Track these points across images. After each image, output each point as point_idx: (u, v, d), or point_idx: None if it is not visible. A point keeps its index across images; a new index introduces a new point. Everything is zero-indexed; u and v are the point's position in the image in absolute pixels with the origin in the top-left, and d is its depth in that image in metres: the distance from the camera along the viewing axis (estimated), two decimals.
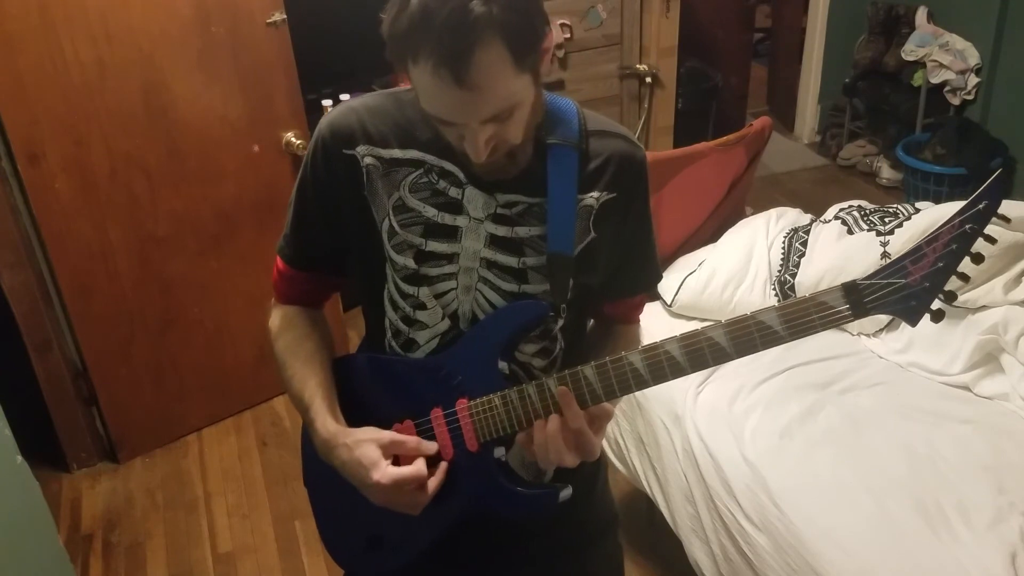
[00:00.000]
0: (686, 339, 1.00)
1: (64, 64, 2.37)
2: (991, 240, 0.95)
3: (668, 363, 1.01)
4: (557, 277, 1.11)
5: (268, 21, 2.63)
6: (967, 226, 0.91)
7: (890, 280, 0.94)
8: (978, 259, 0.94)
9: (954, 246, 0.92)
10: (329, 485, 1.24)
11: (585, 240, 1.13)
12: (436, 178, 1.11)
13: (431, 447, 1.11)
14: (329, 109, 3.13)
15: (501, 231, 1.11)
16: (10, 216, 2.47)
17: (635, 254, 1.21)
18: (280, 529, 2.58)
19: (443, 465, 1.11)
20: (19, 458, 1.94)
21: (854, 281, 0.95)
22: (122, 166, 2.55)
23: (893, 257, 2.44)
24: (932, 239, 0.92)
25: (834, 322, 0.96)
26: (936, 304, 0.95)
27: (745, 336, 0.98)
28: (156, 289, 2.75)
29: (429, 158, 1.11)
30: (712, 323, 1.00)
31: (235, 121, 2.70)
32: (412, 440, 1.10)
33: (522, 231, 1.11)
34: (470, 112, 0.95)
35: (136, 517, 2.67)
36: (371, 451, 1.08)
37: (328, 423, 1.12)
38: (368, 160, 1.12)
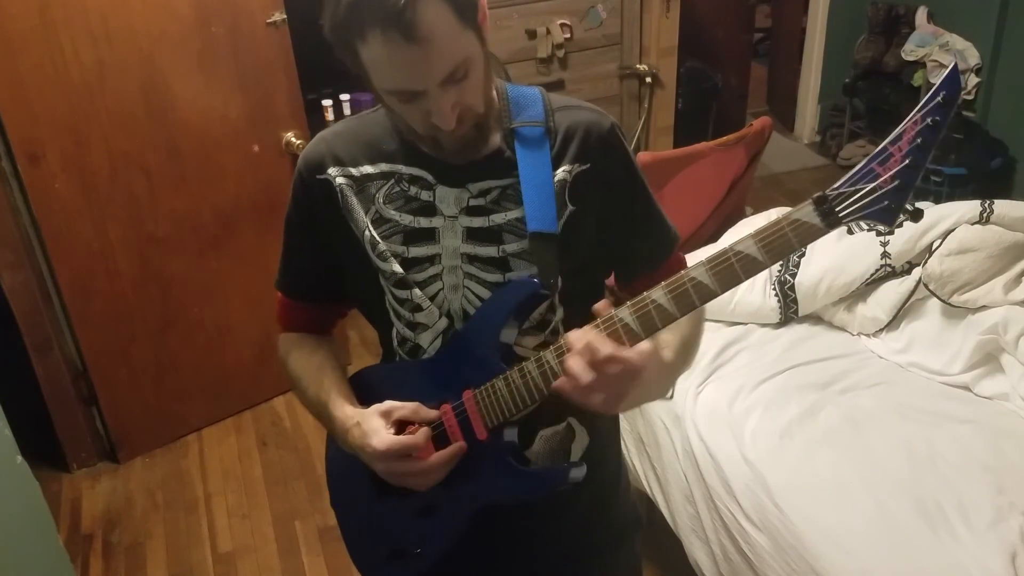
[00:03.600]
0: (670, 284, 0.99)
1: (64, 64, 2.37)
2: (914, 216, 0.94)
3: (656, 311, 0.99)
4: (543, 256, 1.10)
5: (268, 21, 2.63)
6: (929, 119, 0.90)
7: (858, 185, 0.92)
8: (917, 216, 0.93)
9: (919, 140, 0.90)
10: (352, 502, 1.27)
11: (564, 214, 1.12)
12: (407, 185, 1.14)
13: (430, 413, 1.12)
14: (329, 109, 3.16)
15: (476, 223, 1.12)
16: (10, 216, 2.47)
17: (638, 224, 1.19)
18: (280, 529, 2.58)
19: (459, 445, 1.11)
20: (19, 458, 1.95)
21: (823, 193, 0.94)
22: (122, 166, 2.55)
23: (893, 257, 2.44)
24: (895, 138, 0.91)
25: (811, 237, 0.94)
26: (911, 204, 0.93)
27: (726, 268, 0.97)
28: (156, 289, 2.75)
29: (399, 167, 1.14)
30: (693, 264, 0.99)
31: (235, 121, 2.70)
32: (411, 405, 1.12)
33: (498, 218, 1.12)
34: (426, 71, 0.97)
35: (136, 517, 2.67)
36: (373, 421, 1.10)
37: (346, 410, 1.15)
38: (340, 180, 1.16)
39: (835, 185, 0.93)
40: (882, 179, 0.91)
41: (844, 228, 2.36)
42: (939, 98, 0.89)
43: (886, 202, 0.91)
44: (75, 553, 2.52)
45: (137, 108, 2.52)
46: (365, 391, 1.21)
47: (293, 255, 1.27)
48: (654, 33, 3.47)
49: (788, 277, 2.34)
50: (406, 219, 1.14)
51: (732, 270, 0.96)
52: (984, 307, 2.09)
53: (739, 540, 1.84)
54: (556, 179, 1.12)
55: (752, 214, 2.67)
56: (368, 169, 1.15)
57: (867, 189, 0.92)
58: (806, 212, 0.93)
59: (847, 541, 1.66)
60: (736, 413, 2.00)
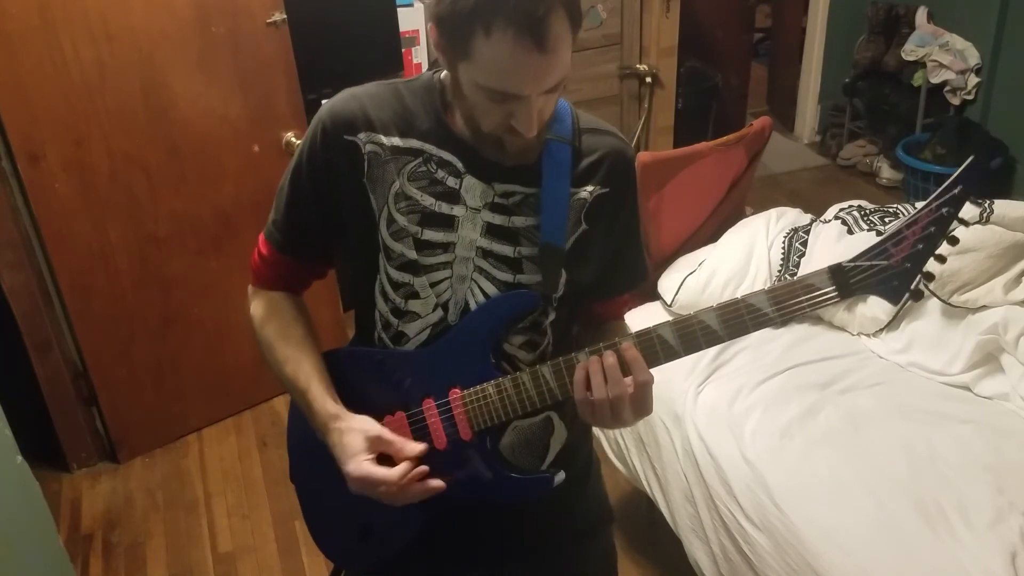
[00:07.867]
0: (679, 323, 1.04)
1: (64, 64, 2.37)
2: (965, 223, 1.01)
3: (661, 347, 1.05)
4: (549, 268, 1.13)
5: (268, 21, 2.63)
6: (943, 210, 0.97)
7: (874, 262, 0.99)
8: (953, 241, 0.99)
9: (932, 228, 0.97)
10: (316, 479, 1.26)
11: (577, 232, 1.15)
12: (435, 168, 1.13)
13: (415, 449, 1.11)
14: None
15: (498, 219, 1.13)
16: (10, 216, 2.47)
17: (626, 251, 1.24)
18: (280, 529, 2.58)
19: (436, 482, 1.11)
20: (19, 458, 1.94)
21: (840, 264, 1.00)
22: (122, 166, 2.55)
23: None
24: (911, 223, 0.98)
25: (821, 303, 1.01)
26: (915, 284, 1.02)
27: (736, 319, 1.02)
28: (156, 289, 2.75)
29: (428, 147, 1.13)
30: (704, 308, 1.04)
31: (235, 121, 2.70)
32: (398, 441, 1.11)
33: (518, 221, 1.13)
34: (541, 79, 0.98)
35: (136, 517, 2.67)
36: (356, 441, 1.10)
37: (328, 404, 1.14)
38: (370, 147, 1.13)
39: (852, 258, 1.00)
40: (895, 259, 0.99)
41: (844, 227, 2.37)
42: (956, 191, 0.96)
43: (895, 282, 1.00)
44: (75, 553, 2.52)
45: (137, 108, 2.52)
46: (343, 374, 1.20)
47: (295, 207, 1.19)
48: (654, 33, 3.47)
49: (788, 277, 2.34)
50: (427, 201, 1.12)
51: (741, 320, 1.02)
52: (984, 307, 2.09)
53: (739, 540, 1.84)
54: (577, 198, 1.14)
55: (752, 214, 2.67)
56: (398, 142, 1.13)
57: (881, 266, 1.00)
58: (821, 279, 1.01)
59: (847, 541, 1.66)
60: (736, 413, 2.00)
